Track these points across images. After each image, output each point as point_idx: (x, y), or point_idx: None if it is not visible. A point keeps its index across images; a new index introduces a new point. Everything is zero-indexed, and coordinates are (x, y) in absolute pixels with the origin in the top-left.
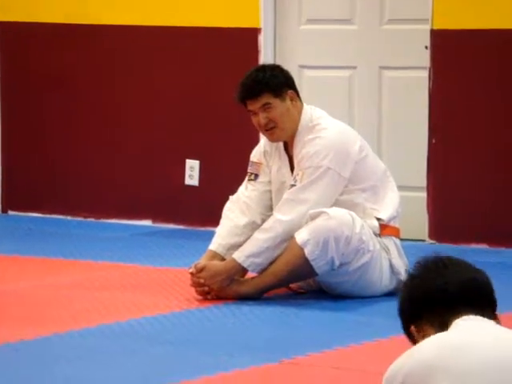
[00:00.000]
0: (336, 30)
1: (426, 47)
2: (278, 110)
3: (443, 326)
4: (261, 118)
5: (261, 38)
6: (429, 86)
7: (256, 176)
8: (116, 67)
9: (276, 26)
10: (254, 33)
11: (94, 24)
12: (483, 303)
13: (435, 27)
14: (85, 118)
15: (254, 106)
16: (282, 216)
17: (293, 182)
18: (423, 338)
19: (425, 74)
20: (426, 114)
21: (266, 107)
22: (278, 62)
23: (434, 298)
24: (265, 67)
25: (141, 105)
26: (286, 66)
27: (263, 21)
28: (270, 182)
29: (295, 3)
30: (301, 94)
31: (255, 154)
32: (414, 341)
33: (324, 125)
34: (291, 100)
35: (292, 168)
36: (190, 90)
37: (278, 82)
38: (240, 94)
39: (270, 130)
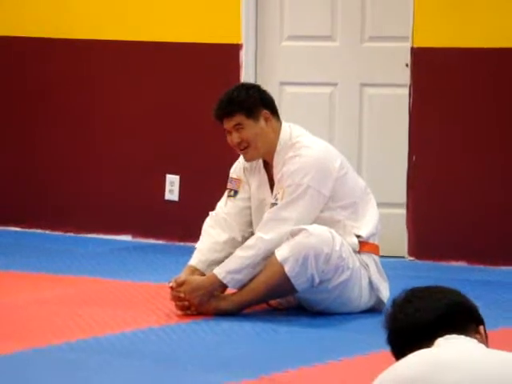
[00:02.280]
0: (317, 47)
1: (407, 65)
2: (251, 131)
3: (429, 346)
4: (234, 138)
5: (242, 54)
6: (409, 103)
7: (235, 192)
8: (97, 82)
9: (257, 42)
10: (235, 49)
11: (76, 38)
12: (462, 324)
13: (416, 45)
14: (65, 134)
15: (227, 124)
16: (264, 235)
17: (273, 201)
18: None
19: (405, 91)
20: (406, 132)
21: (238, 127)
22: (259, 78)
23: (414, 332)
24: (242, 86)
25: (121, 120)
26: (267, 82)
27: (244, 37)
28: (249, 198)
29: (276, 19)
30: (281, 111)
31: (234, 170)
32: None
33: (304, 143)
34: (266, 120)
35: (272, 186)
36: (171, 105)
37: (252, 103)
38: (215, 111)
39: (244, 149)
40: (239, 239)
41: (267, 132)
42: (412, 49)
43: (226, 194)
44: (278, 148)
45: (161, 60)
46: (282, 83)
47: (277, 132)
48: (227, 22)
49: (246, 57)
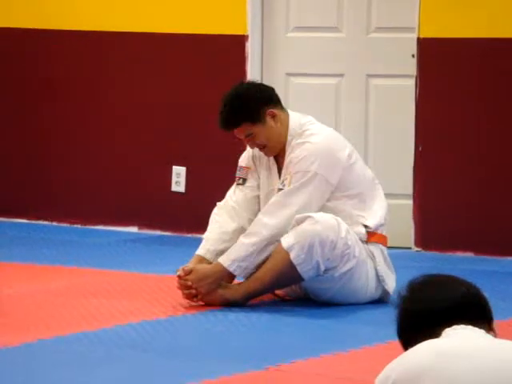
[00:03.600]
0: (323, 38)
1: (413, 55)
2: (262, 134)
3: (437, 336)
4: (249, 145)
5: (248, 45)
6: (415, 94)
7: (244, 180)
8: (102, 73)
9: (263, 34)
10: (241, 40)
11: (83, 30)
12: (475, 316)
13: (422, 36)
14: (71, 125)
15: (237, 135)
16: (268, 220)
17: (280, 186)
18: None
19: (411, 82)
20: (413, 122)
21: (249, 136)
22: (265, 69)
23: (428, 317)
24: (238, 91)
25: (127, 111)
26: (273, 74)
27: (250, 28)
28: (258, 186)
29: (282, 10)
30: (287, 102)
31: (243, 159)
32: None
33: (313, 130)
34: (273, 117)
35: (280, 175)
36: (177, 96)
37: (254, 108)
38: (220, 124)
39: (262, 149)
40: (247, 227)
41: (278, 128)
42: (418, 39)
43: (235, 182)
44: (289, 137)
45: (166, 51)
46: (288, 74)
47: (286, 123)
48: (233, 13)
49: (251, 48)
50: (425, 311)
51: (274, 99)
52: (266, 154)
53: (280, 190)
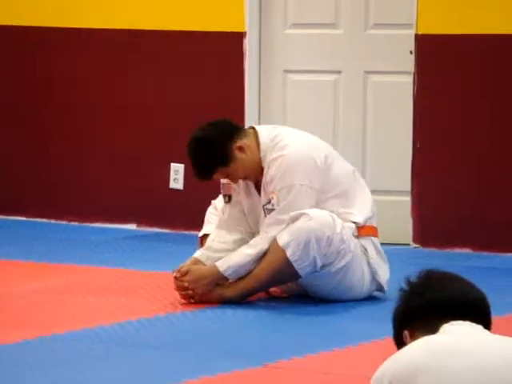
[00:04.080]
0: (321, 35)
1: (411, 52)
2: (239, 170)
3: (434, 332)
4: (232, 182)
5: (246, 42)
6: (413, 90)
7: (230, 198)
8: (101, 71)
9: (261, 30)
10: (238, 37)
11: (80, 27)
12: (475, 318)
13: (420, 32)
14: (69, 123)
15: (217, 178)
16: (267, 234)
17: (270, 207)
18: None
19: (409, 78)
20: (411, 119)
21: (228, 177)
22: (263, 66)
23: (431, 308)
24: (199, 142)
25: (125, 109)
26: (271, 70)
27: (248, 25)
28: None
29: (280, 7)
30: (285, 99)
31: None
32: (402, 345)
33: (285, 141)
34: (240, 150)
35: (258, 188)
36: (175, 93)
37: (220, 151)
38: (196, 177)
39: (245, 180)
40: (247, 238)
41: (250, 157)
42: (416, 36)
43: (222, 200)
44: (262, 154)
45: (164, 49)
46: (286, 71)
47: (254, 146)
48: (231, 9)
49: (249, 45)
50: (439, 302)
51: (233, 132)
52: (250, 181)
53: (270, 210)
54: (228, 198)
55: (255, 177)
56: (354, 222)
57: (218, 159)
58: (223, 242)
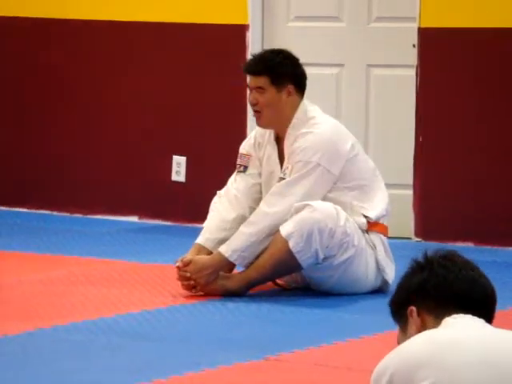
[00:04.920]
0: (324, 28)
1: (414, 45)
2: (269, 98)
3: (437, 319)
4: (252, 97)
5: (248, 35)
6: (416, 84)
7: (245, 168)
8: (102, 63)
9: (264, 23)
10: (241, 29)
11: (84, 19)
12: (482, 311)
13: (423, 25)
14: (71, 114)
15: (251, 82)
16: (268, 209)
17: (282, 175)
18: (416, 324)
19: (412, 72)
20: (413, 112)
21: (259, 89)
22: None
23: (449, 294)
24: (280, 52)
25: (127, 101)
26: None
27: (251, 17)
28: (259, 174)
29: (283, 0)
30: None
31: (244, 146)
32: (401, 317)
33: (318, 120)
34: (288, 94)
35: (281, 159)
36: (177, 86)
37: (282, 72)
38: (245, 64)
39: (256, 113)
40: (248, 216)
41: (284, 106)
42: (419, 29)
43: (236, 170)
44: (293, 123)
45: (167, 41)
46: None
47: (295, 108)
48: (234, 2)
49: (252, 37)
50: (463, 290)
51: (301, 83)
52: (257, 120)
53: (282, 178)
54: (243, 168)
55: (265, 122)
56: (366, 217)
57: (273, 72)
58: (221, 220)
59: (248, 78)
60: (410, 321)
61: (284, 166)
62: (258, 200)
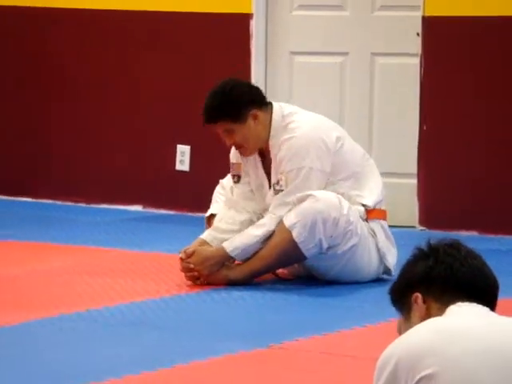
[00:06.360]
0: (328, 16)
1: (418, 34)
2: (240, 134)
3: (442, 306)
4: (226, 140)
5: (252, 24)
6: (420, 72)
7: (239, 178)
8: (107, 52)
9: (268, 12)
10: (245, 18)
11: (87, 8)
12: (485, 300)
13: (427, 14)
14: (75, 104)
15: (215, 129)
16: (275, 215)
17: (278, 188)
18: (421, 311)
19: (416, 60)
20: (417, 101)
21: (227, 132)
22: (270, 48)
23: (455, 282)
24: (223, 88)
25: (131, 90)
26: (278, 52)
27: (255, 6)
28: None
29: None
30: (292, 81)
31: (232, 155)
32: (407, 310)
33: (297, 122)
34: (254, 119)
35: (267, 171)
36: (182, 75)
37: (236, 106)
38: (204, 114)
39: (238, 149)
40: (255, 220)
41: (257, 130)
42: (423, 18)
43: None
44: (273, 133)
45: (171, 30)
46: (293, 53)
47: (267, 124)
48: None
49: (256, 26)
50: (468, 279)
51: (258, 100)
52: (241, 153)
53: (279, 191)
54: (237, 178)
55: (250, 152)
56: (364, 205)
57: (232, 109)
58: (230, 222)
59: (213, 128)
60: (414, 308)
61: (276, 177)
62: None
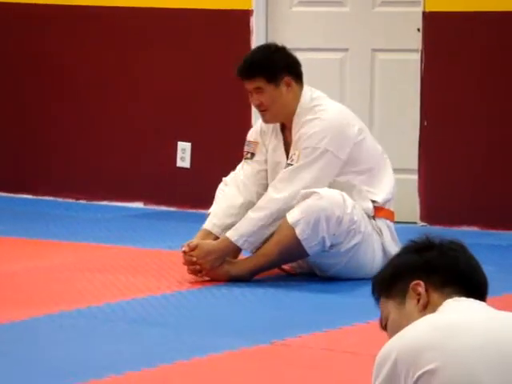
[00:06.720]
0: (328, 12)
1: (419, 30)
2: (270, 96)
3: (442, 295)
4: (253, 99)
5: (253, 20)
6: (421, 68)
7: (252, 155)
8: (106, 48)
9: (268, 8)
10: (245, 14)
11: (86, 5)
12: (479, 298)
13: (427, 9)
14: (75, 101)
15: (247, 85)
16: (276, 194)
17: (289, 162)
18: (423, 299)
19: (417, 56)
20: (418, 97)
21: (258, 90)
22: None
23: (457, 273)
24: (268, 48)
25: (132, 87)
26: None
27: (255, 2)
28: (265, 161)
29: None
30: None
31: (251, 134)
32: (401, 297)
33: (323, 106)
34: (287, 86)
35: (287, 149)
36: (182, 71)
37: (274, 67)
38: (237, 69)
39: (262, 111)
40: (255, 201)
41: (287, 98)
42: (424, 13)
43: (243, 157)
44: (298, 111)
45: (171, 26)
46: (293, 49)
47: (297, 97)
48: None
49: (256, 22)
50: (468, 268)
51: (296, 71)
52: (263, 117)
53: (289, 165)
54: (250, 155)
55: (272, 118)
56: (373, 201)
57: (267, 71)
58: (229, 206)
59: (245, 83)
60: (409, 295)
61: (291, 153)
62: (265, 186)
